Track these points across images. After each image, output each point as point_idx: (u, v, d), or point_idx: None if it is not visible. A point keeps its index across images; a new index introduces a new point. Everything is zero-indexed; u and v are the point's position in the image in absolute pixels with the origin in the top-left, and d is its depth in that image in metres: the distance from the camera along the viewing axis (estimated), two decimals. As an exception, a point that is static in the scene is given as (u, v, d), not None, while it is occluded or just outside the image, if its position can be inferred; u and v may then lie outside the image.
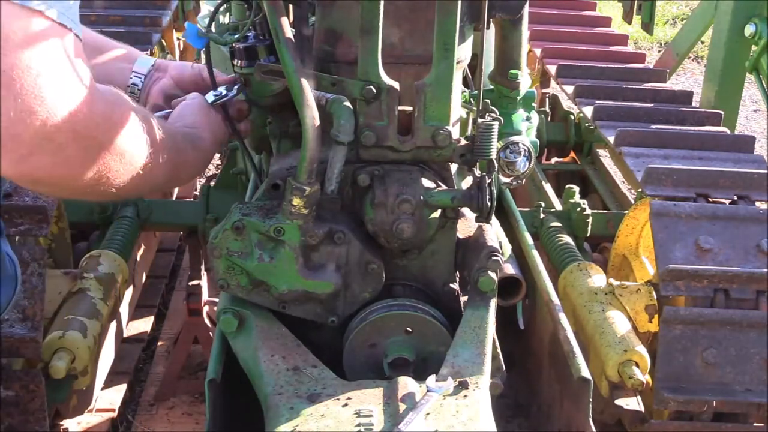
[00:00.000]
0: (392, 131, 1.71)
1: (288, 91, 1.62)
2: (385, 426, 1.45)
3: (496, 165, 1.74)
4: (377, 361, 1.73)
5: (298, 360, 1.64)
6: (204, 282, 3.04)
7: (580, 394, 1.79)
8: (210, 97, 1.86)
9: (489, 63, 2.20)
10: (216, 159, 4.97)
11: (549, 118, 3.86)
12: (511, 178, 2.08)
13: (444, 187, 1.77)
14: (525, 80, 2.14)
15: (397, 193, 1.69)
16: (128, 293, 2.68)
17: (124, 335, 2.93)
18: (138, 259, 3.04)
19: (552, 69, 3.42)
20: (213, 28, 1.83)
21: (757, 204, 2.21)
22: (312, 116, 1.58)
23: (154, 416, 2.87)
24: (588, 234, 2.79)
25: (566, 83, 3.22)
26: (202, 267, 3.05)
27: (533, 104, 2.25)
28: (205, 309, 2.97)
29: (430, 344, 1.73)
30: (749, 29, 3.24)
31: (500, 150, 2.03)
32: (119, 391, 2.83)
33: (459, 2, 1.62)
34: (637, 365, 2.07)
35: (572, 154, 3.90)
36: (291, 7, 1.81)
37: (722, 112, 2.94)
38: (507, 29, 2.03)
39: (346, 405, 1.51)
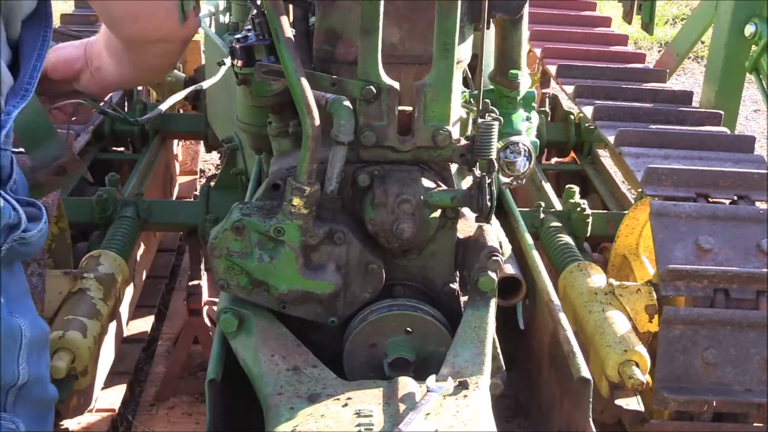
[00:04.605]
0: (392, 131, 1.70)
1: (288, 91, 1.62)
2: (385, 426, 1.45)
3: (496, 165, 1.73)
4: (377, 361, 1.73)
5: (298, 360, 1.64)
6: (204, 282, 3.04)
7: (580, 394, 1.79)
8: None
9: (489, 63, 2.20)
10: (216, 159, 4.98)
11: (549, 118, 3.86)
12: (511, 178, 2.08)
13: (444, 187, 1.76)
14: (525, 80, 2.14)
15: (397, 193, 1.69)
16: (128, 293, 2.68)
17: (124, 335, 2.93)
18: (138, 259, 3.05)
19: (552, 69, 3.42)
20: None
21: (757, 204, 2.21)
22: (312, 116, 1.58)
23: (154, 416, 2.88)
24: (588, 234, 2.79)
25: (566, 83, 3.23)
26: (202, 267, 3.05)
27: (533, 104, 2.25)
28: (205, 309, 2.98)
29: (430, 344, 1.73)
30: (749, 29, 3.24)
31: (500, 150, 2.03)
32: (119, 391, 2.83)
33: (459, 2, 1.62)
34: (637, 365, 2.07)
35: (572, 154, 3.90)
36: (291, 7, 1.81)
37: (722, 112, 2.94)
38: (507, 29, 2.03)
39: (346, 405, 1.51)
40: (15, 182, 1.44)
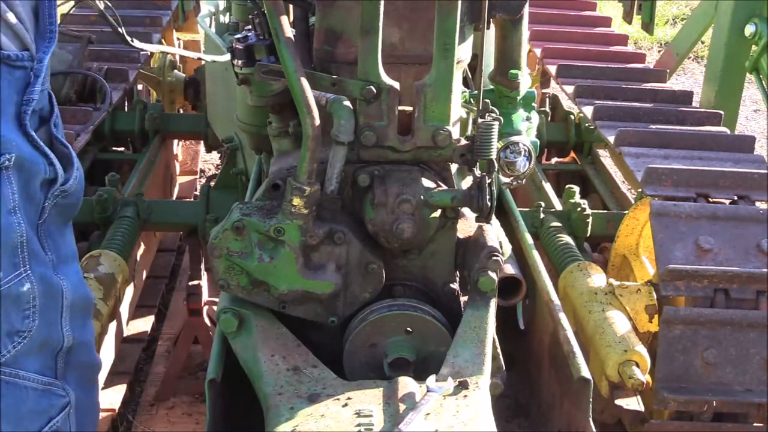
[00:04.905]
0: (392, 131, 1.71)
1: (288, 91, 1.62)
2: (385, 426, 1.45)
3: (496, 165, 1.74)
4: (377, 361, 1.73)
5: (298, 360, 1.64)
6: (204, 282, 3.04)
7: (580, 394, 1.79)
8: None
9: (489, 63, 2.20)
10: (216, 159, 4.98)
11: (549, 118, 3.86)
12: (511, 178, 2.08)
13: (444, 187, 1.77)
14: (525, 80, 2.14)
15: (397, 193, 1.69)
16: (128, 293, 2.68)
17: (124, 335, 2.93)
18: (138, 259, 3.05)
19: (552, 69, 3.42)
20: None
21: (757, 204, 2.21)
22: (312, 116, 1.58)
23: (154, 416, 2.88)
24: (588, 234, 2.79)
25: (566, 83, 3.23)
26: (202, 267, 3.05)
27: (533, 104, 2.25)
28: (205, 309, 2.98)
29: (430, 344, 1.73)
30: (749, 29, 3.24)
31: (500, 150, 2.03)
32: (119, 391, 2.83)
33: (459, 2, 1.62)
34: (637, 365, 2.07)
35: (572, 154, 3.90)
36: (291, 7, 1.81)
37: (722, 112, 2.93)
38: (507, 29, 2.03)
39: (346, 405, 1.51)
40: (57, 116, 1.47)
